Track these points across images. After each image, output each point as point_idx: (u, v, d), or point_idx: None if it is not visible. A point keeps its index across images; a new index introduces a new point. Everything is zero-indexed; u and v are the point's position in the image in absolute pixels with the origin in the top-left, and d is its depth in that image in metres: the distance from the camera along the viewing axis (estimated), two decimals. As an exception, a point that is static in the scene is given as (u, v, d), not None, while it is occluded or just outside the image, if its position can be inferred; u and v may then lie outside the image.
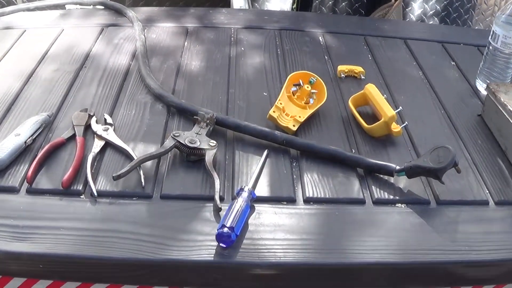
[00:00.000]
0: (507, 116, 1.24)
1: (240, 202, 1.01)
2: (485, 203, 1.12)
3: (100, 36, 1.59)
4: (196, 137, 1.15)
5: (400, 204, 1.09)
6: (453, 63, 1.61)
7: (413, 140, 1.26)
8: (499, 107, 1.27)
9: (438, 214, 1.09)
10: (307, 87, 1.30)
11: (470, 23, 1.97)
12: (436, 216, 1.08)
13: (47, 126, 1.20)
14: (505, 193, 1.14)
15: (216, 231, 0.96)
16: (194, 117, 1.20)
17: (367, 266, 0.99)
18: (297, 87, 1.30)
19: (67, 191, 1.04)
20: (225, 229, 0.95)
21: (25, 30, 1.60)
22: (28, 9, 1.72)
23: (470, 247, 1.01)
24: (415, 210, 1.08)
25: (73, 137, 1.17)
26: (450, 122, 1.34)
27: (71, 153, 1.13)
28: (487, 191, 1.14)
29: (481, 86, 1.45)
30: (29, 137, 1.15)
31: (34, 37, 1.57)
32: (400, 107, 1.26)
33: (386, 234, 1.03)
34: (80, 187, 1.05)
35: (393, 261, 0.99)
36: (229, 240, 0.96)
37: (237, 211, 0.99)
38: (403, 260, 0.99)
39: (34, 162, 1.09)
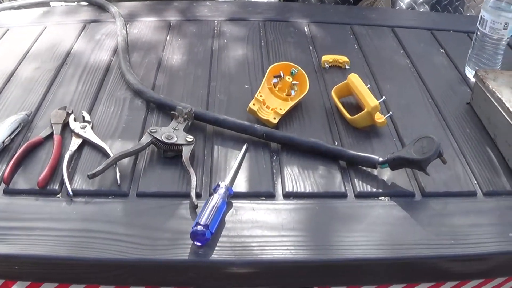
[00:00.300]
0: (495, 103, 1.19)
1: (215, 199, 0.97)
2: (473, 194, 1.07)
3: (83, 32, 1.54)
4: (173, 132, 1.10)
5: (383, 197, 1.05)
6: (442, 50, 1.56)
7: (399, 131, 1.21)
8: (488, 94, 1.22)
9: (423, 206, 1.04)
10: (288, 78, 1.25)
11: (461, 9, 1.90)
12: (421, 208, 1.03)
13: (25, 125, 1.16)
14: (494, 183, 1.09)
15: (191, 229, 0.91)
16: (172, 112, 1.15)
17: (348, 263, 0.94)
18: (278, 78, 1.25)
19: (43, 190, 1.01)
20: (199, 227, 0.92)
21: (8, 29, 1.56)
22: (13, 7, 1.67)
23: (456, 240, 0.97)
24: (399, 203, 1.03)
25: (51, 135, 1.13)
26: (438, 110, 1.29)
27: (48, 152, 1.09)
28: (475, 182, 1.09)
29: (470, 73, 1.39)
30: (6, 137, 1.11)
31: (17, 35, 1.53)
32: (384, 97, 1.21)
33: (369, 229, 0.98)
34: (56, 187, 1.02)
35: (375, 257, 0.94)
36: (204, 238, 0.92)
37: (212, 208, 0.95)
38: (386, 255, 0.94)
39: (11, 162, 1.05)
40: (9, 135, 1.12)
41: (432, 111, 1.28)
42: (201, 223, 0.92)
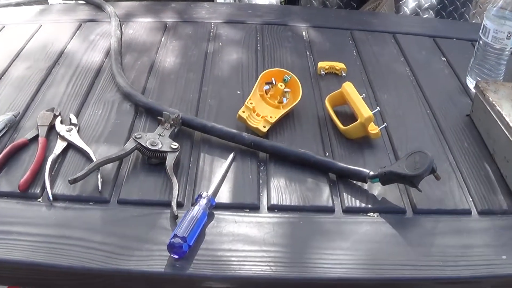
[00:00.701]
0: (495, 117, 1.13)
1: (196, 210, 0.93)
2: (467, 212, 1.01)
3: (78, 32, 1.50)
4: (158, 139, 1.06)
5: (372, 213, 1.00)
6: (444, 59, 1.50)
7: (393, 143, 1.16)
8: (488, 107, 1.16)
9: (414, 224, 0.99)
10: (281, 85, 1.20)
11: (467, 16, 1.84)
12: (411, 226, 0.98)
13: (12, 126, 1.13)
14: (490, 202, 1.03)
15: (169, 240, 0.87)
16: (158, 117, 1.10)
17: (329, 282, 0.89)
18: (270, 85, 1.20)
19: (24, 194, 0.98)
20: (176, 239, 0.87)
21: (4, 26, 1.53)
22: (10, 4, 1.63)
23: (445, 262, 0.91)
24: (389, 220, 0.98)
25: (36, 137, 1.10)
26: (436, 122, 1.23)
27: (33, 154, 1.05)
28: (470, 199, 1.04)
29: (471, 84, 1.33)
30: (-8, 138, 1.07)
31: (12, 33, 1.49)
32: (378, 108, 1.16)
33: (353, 247, 0.93)
34: (38, 191, 0.99)
35: (358, 277, 0.89)
36: (181, 251, 0.88)
37: (191, 219, 0.91)
38: (369, 275, 0.89)
39: (-6, 164, 1.01)
40: (-5, 136, 1.08)
41: (429, 122, 1.23)
42: (179, 235, 0.87)
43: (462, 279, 0.90)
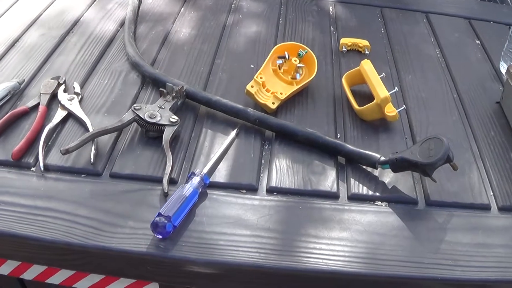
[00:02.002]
0: (526, 104, 1.00)
1: (186, 188, 0.85)
2: (485, 207, 0.91)
3: (96, 0, 1.42)
4: (158, 111, 0.98)
5: (380, 202, 0.90)
6: (478, 42, 1.37)
7: (412, 127, 1.05)
8: (518, 93, 1.03)
9: (425, 217, 0.88)
10: (295, 60, 1.10)
11: (508, 0, 1.69)
12: (421, 219, 0.88)
13: (16, 94, 1.07)
14: (513, 197, 0.91)
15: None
16: (160, 89, 1.02)
17: (321, 275, 0.79)
18: (283, 59, 1.10)
19: (17, 163, 0.92)
20: (160, 219, 0.80)
21: (24, -7, 1.46)
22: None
23: (456, 261, 0.81)
24: (397, 211, 0.88)
25: (38, 106, 1.04)
26: (462, 108, 1.12)
27: (32, 123, 0.99)
28: (491, 193, 0.93)
29: (504, 69, 1.20)
30: (-7, 105, 1.02)
31: (31, 0, 1.42)
32: (396, 88, 1.04)
33: (354, 238, 0.83)
34: (31, 160, 0.93)
35: (353, 271, 0.79)
36: (165, 231, 0.80)
37: (179, 198, 0.83)
38: (368, 270, 0.80)
39: (-10, 131, 0.96)
40: (-4, 103, 1.03)
41: (455, 107, 1.11)
42: (163, 214, 0.80)
43: (473, 281, 0.80)
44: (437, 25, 1.43)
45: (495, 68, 1.26)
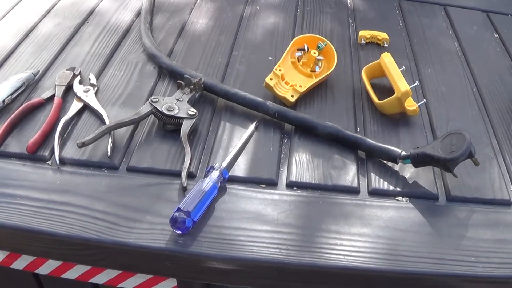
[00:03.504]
0: (547, 99, 0.99)
1: (205, 183, 0.84)
2: (506, 203, 0.89)
3: (112, -10, 1.41)
4: (175, 103, 0.96)
5: (401, 198, 0.88)
6: (496, 35, 1.35)
7: (432, 121, 1.04)
8: (539, 87, 1.02)
9: (446, 213, 0.87)
10: (314, 52, 1.08)
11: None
12: (442, 215, 0.86)
13: (31, 85, 1.06)
14: (534, 193, 0.90)
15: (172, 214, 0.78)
16: (178, 81, 1.00)
17: (343, 271, 0.78)
18: (302, 52, 1.08)
19: (33, 156, 0.91)
20: (179, 214, 0.79)
21: (40, -18, 1.44)
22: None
23: (477, 258, 0.79)
24: (418, 206, 0.87)
25: (53, 97, 1.02)
26: (482, 102, 1.11)
27: (47, 115, 0.98)
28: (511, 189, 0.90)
29: (524, 63, 1.18)
30: (8, 96, 1.01)
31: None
32: (417, 82, 1.03)
33: (375, 234, 0.82)
34: (47, 153, 0.91)
35: (375, 268, 0.78)
36: (184, 226, 0.79)
37: (199, 193, 0.82)
38: (387, 267, 0.78)
39: (5, 124, 0.95)
40: (11, 94, 1.02)
41: (474, 102, 1.10)
42: (183, 209, 0.79)
43: (495, 278, 0.79)
44: (455, 18, 1.40)
45: (514, 62, 1.24)
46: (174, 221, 0.78)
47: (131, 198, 0.84)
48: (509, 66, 1.23)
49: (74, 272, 0.90)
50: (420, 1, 1.47)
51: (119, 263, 0.84)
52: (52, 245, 0.82)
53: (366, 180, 0.90)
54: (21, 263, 0.90)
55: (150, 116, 0.96)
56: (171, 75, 1.09)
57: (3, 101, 1.00)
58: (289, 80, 1.05)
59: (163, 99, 0.97)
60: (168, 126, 0.96)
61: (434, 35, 1.32)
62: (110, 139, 0.92)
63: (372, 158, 0.94)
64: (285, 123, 0.99)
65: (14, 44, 1.17)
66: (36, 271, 0.91)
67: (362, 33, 1.25)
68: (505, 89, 1.15)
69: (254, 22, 1.31)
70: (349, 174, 0.91)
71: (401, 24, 1.36)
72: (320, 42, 1.09)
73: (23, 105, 0.98)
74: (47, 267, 0.90)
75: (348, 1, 1.45)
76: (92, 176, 0.88)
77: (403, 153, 0.90)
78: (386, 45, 1.24)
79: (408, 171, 0.92)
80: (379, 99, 1.03)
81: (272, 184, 0.89)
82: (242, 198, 0.86)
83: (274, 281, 0.81)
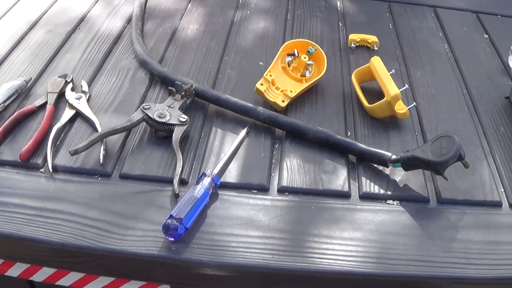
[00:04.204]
0: (536, 100, 0.99)
1: (197, 189, 0.84)
2: (497, 204, 0.90)
3: (103, -4, 1.41)
4: (167, 110, 0.97)
5: (392, 201, 0.89)
6: (486, 36, 1.36)
7: (423, 124, 1.04)
8: (528, 88, 1.02)
9: (437, 215, 0.87)
10: (304, 57, 1.08)
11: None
12: (433, 217, 0.87)
13: (23, 92, 1.06)
14: (525, 194, 0.91)
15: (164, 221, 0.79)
16: (169, 88, 1.01)
17: (335, 276, 0.79)
18: (292, 57, 1.09)
19: (26, 164, 0.91)
20: (172, 221, 0.79)
21: (31, -11, 1.44)
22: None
23: (468, 259, 0.80)
24: (409, 210, 0.87)
25: (45, 105, 1.03)
26: (472, 104, 1.11)
27: (40, 122, 0.98)
28: (502, 190, 0.92)
29: (514, 64, 1.19)
30: (0, 104, 1.01)
31: (38, -4, 1.41)
32: (406, 85, 1.04)
33: (367, 237, 0.82)
34: (39, 161, 0.92)
35: (367, 271, 0.79)
36: (176, 233, 0.79)
37: (191, 200, 0.82)
38: (379, 271, 0.79)
39: (-2, 131, 0.95)
40: (3, 102, 1.02)
41: (464, 103, 1.10)
42: (175, 216, 0.79)
43: (486, 280, 0.79)
44: (445, 19, 1.41)
45: (503, 62, 1.25)
46: (166, 228, 0.79)
47: (124, 205, 0.85)
48: (499, 67, 1.24)
49: (68, 279, 0.89)
50: (410, 3, 1.47)
51: (113, 270, 0.84)
52: (46, 252, 0.82)
53: (357, 184, 0.91)
54: (16, 270, 0.90)
55: (142, 123, 0.97)
56: (162, 82, 1.09)
57: (-5, 108, 1.00)
58: (280, 85, 1.05)
59: (154, 106, 0.97)
60: (160, 133, 0.96)
61: (424, 37, 1.33)
62: (102, 147, 0.93)
63: (362, 162, 0.94)
64: (276, 128, 1.00)
65: (6, 52, 1.17)
66: (31, 278, 0.91)
67: (352, 36, 1.25)
68: (495, 90, 1.15)
69: (245, 27, 1.32)
70: (340, 179, 0.91)
71: (391, 27, 1.36)
72: (310, 47, 1.10)
73: (15, 113, 0.99)
74: (42, 275, 0.90)
75: (338, 4, 1.46)
76: (85, 184, 0.88)
77: (394, 156, 0.90)
78: (376, 48, 1.24)
79: (399, 175, 0.92)
80: (370, 103, 1.04)
81: (263, 189, 0.89)
82: (234, 204, 0.86)
83: (267, 286, 0.82)
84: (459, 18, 1.43)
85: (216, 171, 0.89)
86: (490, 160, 0.98)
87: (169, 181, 0.88)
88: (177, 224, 0.78)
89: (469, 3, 1.51)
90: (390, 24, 1.38)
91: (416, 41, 1.30)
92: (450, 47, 1.30)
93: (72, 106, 1.02)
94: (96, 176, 0.90)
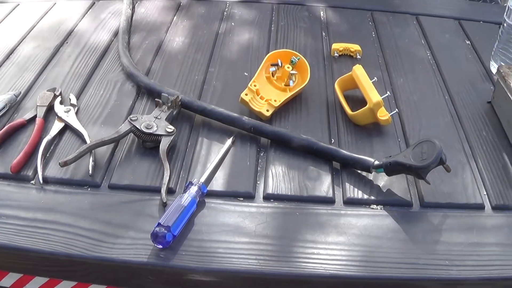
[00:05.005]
0: (515, 104, 1.02)
1: (184, 198, 0.86)
2: (479, 207, 0.92)
3: (90, 10, 1.44)
4: (154, 121, 0.99)
5: (375, 206, 0.91)
6: (468, 42, 1.39)
7: (405, 130, 1.07)
8: (508, 93, 1.05)
9: (419, 219, 0.89)
10: (288, 67, 1.11)
11: (499, 0, 1.71)
12: (416, 221, 0.89)
13: (12, 106, 1.08)
14: (506, 196, 0.94)
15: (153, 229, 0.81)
16: (156, 99, 1.03)
17: (320, 279, 0.81)
18: (276, 67, 1.11)
19: (16, 176, 0.93)
20: (160, 229, 0.81)
21: (18, 4, 1.47)
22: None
23: (451, 261, 0.82)
24: (393, 214, 0.89)
25: (35, 118, 1.05)
26: (454, 109, 1.14)
27: (30, 135, 1.00)
28: (485, 193, 0.94)
29: (495, 69, 1.22)
30: (-10, 118, 1.03)
31: (25, 11, 1.44)
32: (388, 92, 1.06)
33: (351, 241, 0.84)
34: (30, 173, 0.94)
35: (351, 274, 0.80)
36: (165, 240, 0.81)
37: (178, 208, 0.84)
38: (363, 274, 0.81)
39: (-11, 145, 0.97)
40: (-7, 116, 1.04)
41: (446, 109, 1.13)
42: (163, 224, 0.81)
43: (469, 280, 0.81)
44: (427, 27, 1.44)
45: (485, 68, 1.28)
46: (155, 236, 0.81)
47: (113, 214, 0.87)
48: (481, 72, 1.27)
49: (61, 288, 0.92)
50: (393, 12, 1.50)
51: (104, 278, 0.86)
52: (38, 262, 0.84)
53: (341, 190, 0.93)
54: (9, 280, 0.91)
55: (129, 134, 0.99)
56: (149, 93, 1.12)
57: (-15, 122, 1.02)
58: (264, 95, 1.08)
59: (141, 118, 0.99)
60: (147, 144, 0.98)
61: (406, 44, 1.36)
62: (91, 158, 0.95)
63: (346, 169, 0.97)
64: (261, 137, 1.02)
65: (-5, 66, 1.19)
66: (24, 288, 0.93)
67: (335, 46, 1.28)
68: (477, 95, 1.18)
69: (230, 38, 1.34)
70: (324, 185, 0.93)
71: (373, 35, 1.39)
72: (293, 56, 1.12)
73: (5, 127, 1.01)
74: (34, 284, 0.91)
75: (322, 14, 1.48)
76: (75, 194, 0.90)
77: (376, 162, 0.93)
78: (359, 56, 1.27)
79: (382, 180, 0.94)
80: (353, 111, 1.06)
81: (249, 197, 0.91)
82: (221, 211, 0.88)
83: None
84: (441, 25, 1.46)
85: (202, 179, 0.91)
86: (473, 164, 1.00)
87: (157, 190, 0.90)
88: (165, 231, 0.80)
89: (451, 11, 1.54)
90: (373, 33, 1.40)
91: (398, 49, 1.33)
92: (433, 54, 1.32)
93: (61, 119, 1.04)
94: (86, 187, 0.91)
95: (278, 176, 0.94)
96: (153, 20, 1.41)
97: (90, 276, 0.85)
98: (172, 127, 0.98)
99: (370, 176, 0.95)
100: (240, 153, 0.99)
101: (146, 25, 1.38)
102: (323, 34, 1.38)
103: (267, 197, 0.91)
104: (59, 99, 1.09)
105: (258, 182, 0.94)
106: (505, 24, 1.18)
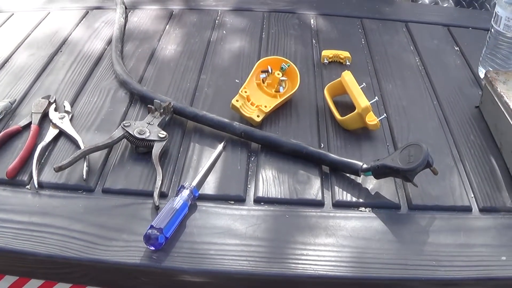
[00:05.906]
0: (502, 108, 1.05)
1: (176, 201, 0.88)
2: (467, 209, 0.94)
3: (83, 19, 1.46)
4: (146, 127, 1.01)
5: (364, 208, 0.93)
6: (456, 48, 1.42)
7: (394, 135, 1.09)
8: (495, 98, 1.08)
9: (408, 221, 0.91)
10: (278, 73, 1.13)
11: (488, 6, 1.73)
12: (404, 223, 0.91)
13: (8, 113, 1.10)
14: (493, 198, 0.96)
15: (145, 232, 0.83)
16: (148, 106, 1.05)
17: (310, 280, 0.82)
18: (266, 73, 1.14)
19: (12, 181, 0.95)
20: (152, 231, 0.83)
21: (13, 14, 1.50)
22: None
23: (439, 262, 0.84)
24: (381, 216, 0.92)
25: (30, 125, 1.07)
26: (442, 114, 1.16)
27: (25, 141, 1.02)
28: (472, 195, 0.96)
29: (483, 74, 1.24)
30: (-14, 125, 1.05)
31: (20, 21, 1.47)
32: (376, 98, 1.08)
33: (339, 243, 0.86)
34: (25, 178, 0.96)
35: (340, 275, 0.82)
36: (157, 242, 0.83)
37: (170, 211, 0.86)
38: (353, 274, 0.82)
39: (-16, 151, 0.99)
40: (-11, 123, 1.06)
41: (435, 114, 1.15)
42: (155, 226, 0.83)
43: (456, 280, 0.83)
44: (416, 33, 1.46)
45: (473, 73, 1.30)
46: (147, 238, 0.82)
47: (107, 218, 0.89)
48: (469, 77, 1.29)
49: (57, 290, 0.93)
50: (382, 19, 1.53)
51: (98, 279, 0.87)
52: (34, 265, 0.86)
53: (330, 193, 0.95)
54: (5, 283, 0.93)
55: (123, 140, 1.01)
56: (142, 100, 1.14)
57: (-19, 130, 1.04)
58: (255, 101, 1.10)
59: (134, 123, 1.02)
60: (140, 149, 1.01)
61: (395, 51, 1.38)
62: (85, 163, 0.97)
63: (335, 172, 0.99)
64: (252, 142, 1.04)
65: (-10, 75, 1.21)
66: (20, 290, 0.95)
67: (324, 52, 1.30)
68: (465, 100, 1.20)
69: (221, 46, 1.37)
70: (314, 188, 0.95)
71: (363, 42, 1.42)
72: (283, 63, 1.15)
73: (1, 133, 1.03)
74: (30, 286, 0.93)
75: (312, 22, 1.51)
76: (69, 199, 0.92)
77: (364, 166, 0.95)
78: (348, 63, 1.29)
79: (371, 183, 0.96)
80: (342, 116, 1.08)
81: (240, 200, 0.93)
82: (212, 214, 0.90)
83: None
84: (430, 32, 1.48)
85: (194, 183, 0.93)
86: (460, 167, 1.02)
87: (150, 194, 0.92)
88: (158, 233, 0.82)
89: (440, 17, 1.57)
90: (363, 40, 1.43)
91: (387, 55, 1.36)
92: (421, 60, 1.35)
93: (55, 126, 1.06)
94: (80, 191, 0.93)
95: (269, 180, 0.96)
96: (145, 29, 1.43)
97: (84, 278, 0.87)
98: (165, 133, 1.00)
99: (359, 180, 0.97)
100: (231, 158, 1.01)
101: (139, 34, 1.40)
102: (313, 41, 1.41)
103: (258, 200, 0.93)
104: (53, 106, 1.11)
105: (249, 186, 0.96)
106: (492, 30, 1.20)
